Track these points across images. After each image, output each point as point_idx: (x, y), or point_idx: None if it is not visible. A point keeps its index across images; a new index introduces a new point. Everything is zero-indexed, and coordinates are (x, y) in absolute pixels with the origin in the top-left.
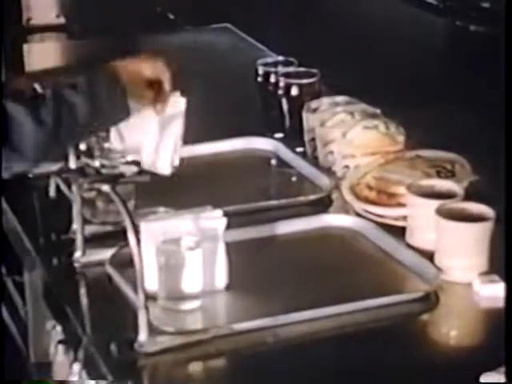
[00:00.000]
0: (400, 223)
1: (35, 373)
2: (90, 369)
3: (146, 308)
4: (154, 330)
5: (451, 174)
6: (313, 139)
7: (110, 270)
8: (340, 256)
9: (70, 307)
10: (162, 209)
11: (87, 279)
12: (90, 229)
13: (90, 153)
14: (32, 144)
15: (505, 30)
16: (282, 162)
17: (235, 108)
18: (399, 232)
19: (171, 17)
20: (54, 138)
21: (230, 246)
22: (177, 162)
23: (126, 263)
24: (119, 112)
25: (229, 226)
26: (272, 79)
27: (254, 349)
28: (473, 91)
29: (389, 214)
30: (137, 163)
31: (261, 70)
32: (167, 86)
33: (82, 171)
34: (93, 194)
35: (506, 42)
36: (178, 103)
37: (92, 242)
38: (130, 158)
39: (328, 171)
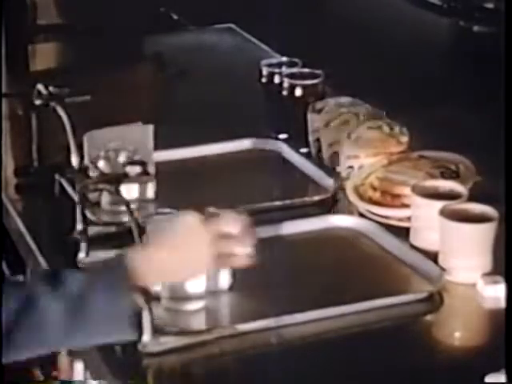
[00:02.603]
0: (404, 224)
1: (38, 373)
2: (93, 369)
3: (150, 308)
4: (157, 331)
5: (455, 175)
6: (317, 140)
7: None
8: (344, 257)
9: None
10: (166, 209)
11: None
12: (94, 229)
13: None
14: None
15: (505, 29)
16: (287, 163)
17: (239, 109)
18: (403, 233)
19: (175, 17)
20: (5, 342)
21: None
22: None
23: None
24: (119, 333)
25: None
26: (276, 80)
27: (257, 349)
28: (477, 92)
29: (393, 214)
30: (141, 163)
31: (265, 71)
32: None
33: (86, 172)
34: (97, 194)
35: (506, 41)
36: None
37: (96, 242)
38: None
39: (332, 172)
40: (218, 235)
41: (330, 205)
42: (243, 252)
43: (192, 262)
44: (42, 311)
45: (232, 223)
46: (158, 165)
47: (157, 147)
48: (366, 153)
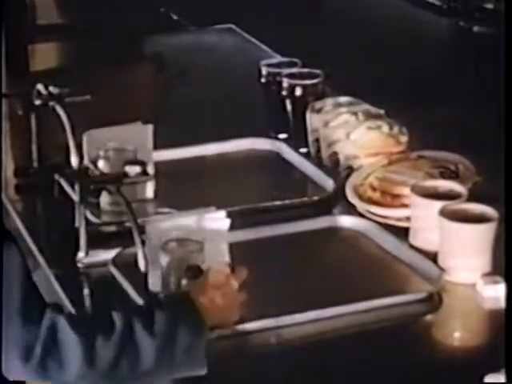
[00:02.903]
0: (403, 224)
1: None
2: None
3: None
4: None
5: (455, 175)
6: (316, 140)
7: (113, 270)
8: (343, 257)
9: (73, 307)
10: (165, 209)
11: (90, 279)
12: (94, 229)
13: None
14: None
15: (505, 29)
16: (286, 163)
17: (239, 109)
18: (402, 233)
19: (175, 17)
20: (102, 380)
21: (233, 247)
22: None
23: (129, 263)
24: (194, 367)
25: (232, 227)
26: (276, 80)
27: (257, 349)
28: (477, 92)
29: (392, 214)
30: (140, 163)
31: (264, 71)
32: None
33: (85, 172)
34: (96, 194)
35: (506, 41)
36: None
37: (96, 242)
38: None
39: (332, 172)
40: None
41: (330, 205)
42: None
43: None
44: (140, 348)
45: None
46: (158, 165)
47: (156, 147)
48: (365, 153)
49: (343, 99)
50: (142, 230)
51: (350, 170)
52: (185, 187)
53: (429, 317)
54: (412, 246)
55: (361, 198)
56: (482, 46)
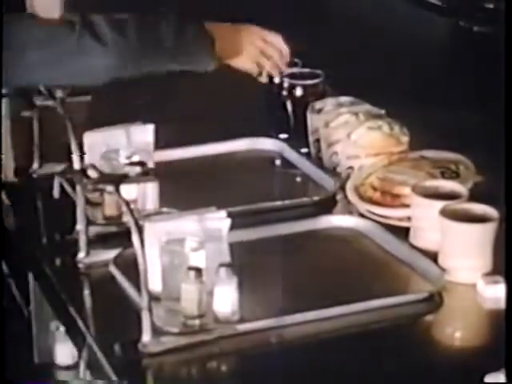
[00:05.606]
0: (404, 224)
1: (39, 373)
2: (94, 369)
3: (150, 308)
4: (157, 331)
5: (455, 175)
6: (317, 140)
7: (113, 270)
8: (344, 257)
9: (74, 308)
10: (165, 209)
11: (91, 280)
12: (94, 229)
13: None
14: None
15: (505, 29)
16: (287, 163)
17: (240, 109)
18: (403, 233)
19: None
20: (133, 54)
21: (233, 247)
22: None
23: (129, 264)
24: (203, 60)
25: (233, 227)
26: (276, 80)
27: (257, 349)
28: (477, 91)
29: (393, 214)
30: (141, 164)
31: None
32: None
33: (86, 172)
34: (97, 194)
35: (506, 41)
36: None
37: (96, 242)
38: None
39: (332, 172)
40: (264, 39)
41: (330, 205)
42: (278, 61)
43: (244, 47)
44: (155, 28)
45: (277, 37)
46: (158, 165)
47: (157, 147)
48: (366, 153)
49: (344, 99)
50: (141, 230)
51: (351, 170)
52: (185, 187)
53: (429, 317)
54: (413, 246)
55: (361, 197)
56: (482, 45)
